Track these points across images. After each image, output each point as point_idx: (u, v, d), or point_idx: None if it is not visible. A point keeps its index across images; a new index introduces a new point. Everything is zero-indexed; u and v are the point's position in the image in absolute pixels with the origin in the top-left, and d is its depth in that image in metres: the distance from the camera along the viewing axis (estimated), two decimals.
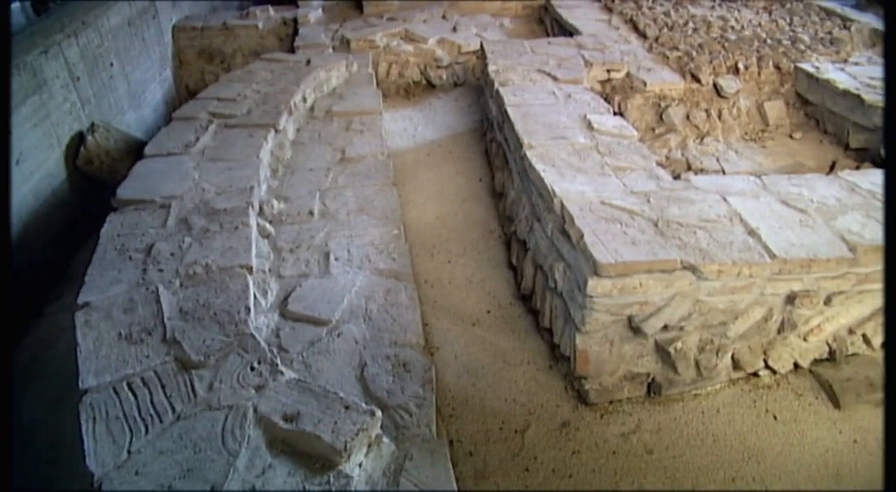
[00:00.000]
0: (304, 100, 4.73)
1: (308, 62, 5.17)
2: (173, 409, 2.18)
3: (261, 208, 3.48)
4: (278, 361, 2.37)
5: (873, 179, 3.26)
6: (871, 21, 5.66)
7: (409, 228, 3.88)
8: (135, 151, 4.30)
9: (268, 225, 3.37)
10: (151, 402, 2.20)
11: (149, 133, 4.95)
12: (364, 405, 2.16)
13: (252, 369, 2.33)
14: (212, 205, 3.33)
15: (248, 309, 2.63)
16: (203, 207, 3.32)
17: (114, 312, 2.59)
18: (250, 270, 2.88)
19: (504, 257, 3.75)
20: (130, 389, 2.25)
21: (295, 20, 6.51)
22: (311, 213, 3.51)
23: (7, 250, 3.55)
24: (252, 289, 2.78)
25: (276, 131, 4.15)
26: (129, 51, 5.22)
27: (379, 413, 2.14)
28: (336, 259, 3.14)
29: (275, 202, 3.57)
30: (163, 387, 2.26)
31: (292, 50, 5.92)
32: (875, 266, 2.74)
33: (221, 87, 4.80)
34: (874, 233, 2.79)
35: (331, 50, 5.83)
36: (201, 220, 3.22)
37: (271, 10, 6.65)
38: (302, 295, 2.91)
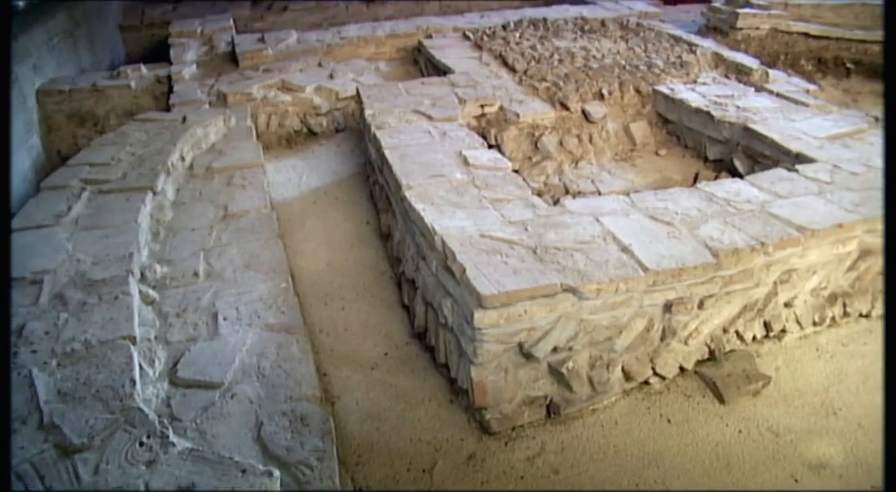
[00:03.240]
0: (182, 158, 4.63)
1: (184, 119, 5.06)
2: None
3: (142, 274, 3.36)
4: (170, 432, 2.29)
5: (727, 187, 3.55)
6: (712, 46, 6.21)
7: (300, 278, 3.85)
8: None
9: (151, 291, 3.26)
10: None
11: (18, 205, 4.68)
12: (261, 467, 2.12)
13: (141, 444, 2.24)
14: (89, 276, 3.19)
15: (134, 382, 2.53)
16: (79, 279, 3.18)
17: None
18: (134, 340, 2.78)
19: (397, 298, 3.77)
20: None
21: (169, 77, 6.34)
22: (195, 274, 3.42)
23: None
24: (137, 360, 2.67)
25: (154, 193, 4.03)
26: None
27: (277, 473, 2.10)
28: (225, 319, 3.07)
29: (157, 266, 3.46)
30: (41, 478, 2.12)
31: (168, 108, 5.78)
32: (735, 268, 2.97)
33: (93, 151, 4.62)
34: (732, 238, 3.02)
35: (207, 105, 5.72)
36: (78, 293, 3.08)
37: (143, 69, 6.46)
38: (191, 360, 2.83)
